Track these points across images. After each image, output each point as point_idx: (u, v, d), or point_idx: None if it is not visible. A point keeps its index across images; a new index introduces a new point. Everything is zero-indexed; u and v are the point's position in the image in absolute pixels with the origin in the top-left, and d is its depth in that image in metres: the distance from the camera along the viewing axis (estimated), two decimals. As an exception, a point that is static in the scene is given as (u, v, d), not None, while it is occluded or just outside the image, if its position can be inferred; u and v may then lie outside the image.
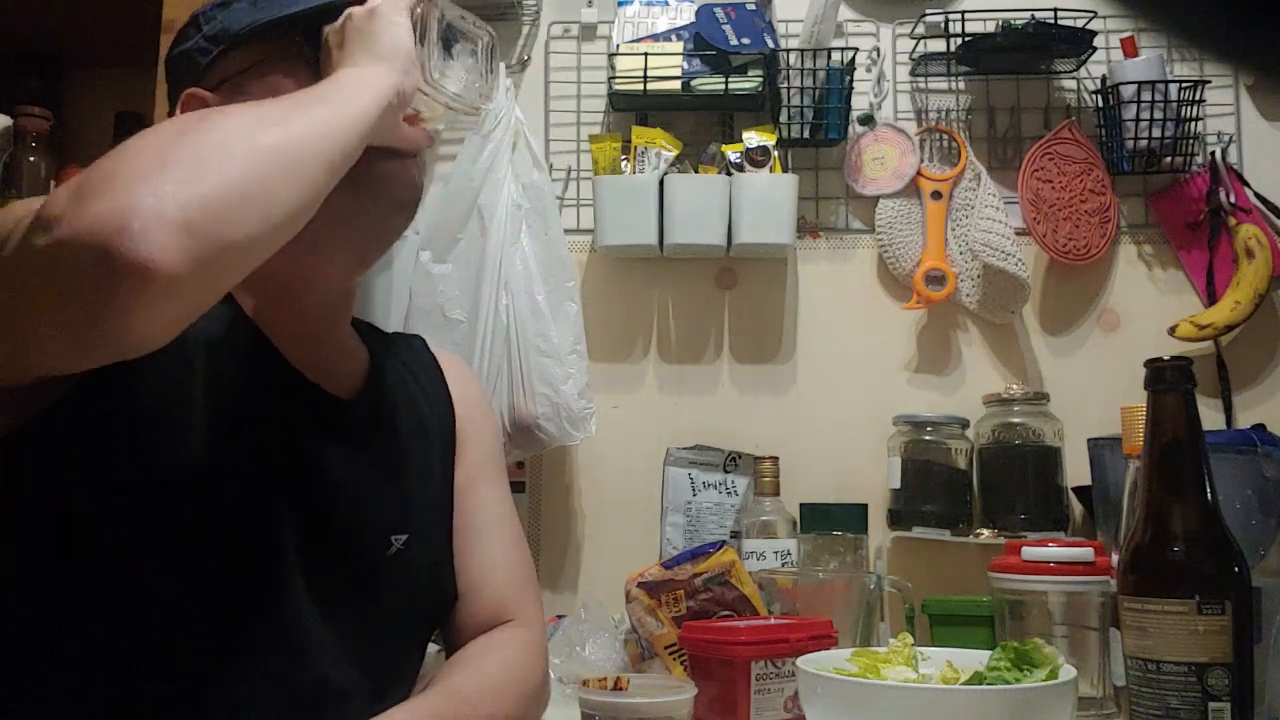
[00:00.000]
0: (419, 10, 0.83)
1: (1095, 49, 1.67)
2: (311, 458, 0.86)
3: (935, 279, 1.66)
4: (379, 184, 0.84)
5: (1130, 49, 1.66)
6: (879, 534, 1.60)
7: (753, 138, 1.65)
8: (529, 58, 1.78)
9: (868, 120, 1.72)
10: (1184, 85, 1.63)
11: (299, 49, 0.86)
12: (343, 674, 0.85)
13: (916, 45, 1.73)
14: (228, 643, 0.78)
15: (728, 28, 1.65)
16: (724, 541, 1.34)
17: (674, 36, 1.68)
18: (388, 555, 0.89)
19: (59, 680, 0.74)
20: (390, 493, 0.91)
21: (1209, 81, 1.65)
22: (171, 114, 0.90)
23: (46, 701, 0.74)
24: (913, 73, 1.76)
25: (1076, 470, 1.54)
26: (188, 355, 0.79)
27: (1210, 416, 1.61)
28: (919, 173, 1.71)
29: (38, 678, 0.75)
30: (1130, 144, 1.64)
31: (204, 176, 0.62)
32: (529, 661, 0.95)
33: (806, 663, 0.87)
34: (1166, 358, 0.92)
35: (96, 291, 0.60)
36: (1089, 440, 1.50)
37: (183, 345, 0.76)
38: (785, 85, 1.64)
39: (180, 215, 0.60)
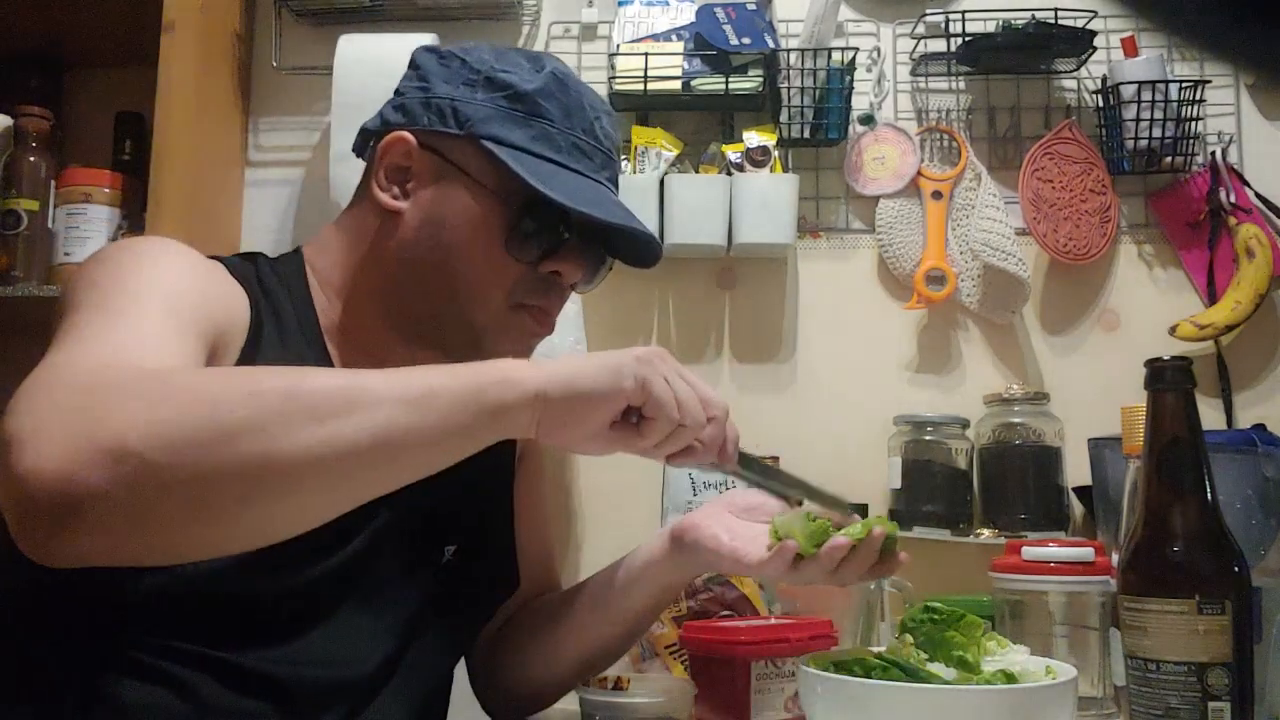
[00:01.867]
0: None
1: (1095, 49, 1.67)
2: None
3: (935, 279, 1.66)
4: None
5: (1130, 49, 1.66)
6: (879, 534, 1.60)
7: (753, 138, 1.65)
8: (529, 58, 1.78)
9: (868, 120, 1.72)
10: (1184, 85, 1.63)
11: (546, 208, 0.87)
12: (383, 677, 0.87)
13: (917, 45, 1.73)
14: (275, 647, 0.79)
15: (728, 28, 1.65)
16: (724, 541, 1.34)
17: (674, 36, 1.68)
18: (442, 564, 0.92)
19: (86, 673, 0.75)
20: (442, 502, 0.90)
21: (1209, 81, 1.65)
22: (378, 135, 0.91)
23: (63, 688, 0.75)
24: (913, 73, 1.76)
25: (1076, 470, 1.54)
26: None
27: (1210, 416, 1.61)
28: (919, 172, 1.71)
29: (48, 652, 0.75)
30: (1130, 144, 1.64)
31: (208, 449, 0.63)
32: None
33: (806, 661, 0.87)
34: (1166, 357, 0.92)
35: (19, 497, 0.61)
36: (1089, 440, 1.50)
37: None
38: (785, 85, 1.64)
39: (117, 449, 0.61)
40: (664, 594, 1.01)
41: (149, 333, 0.71)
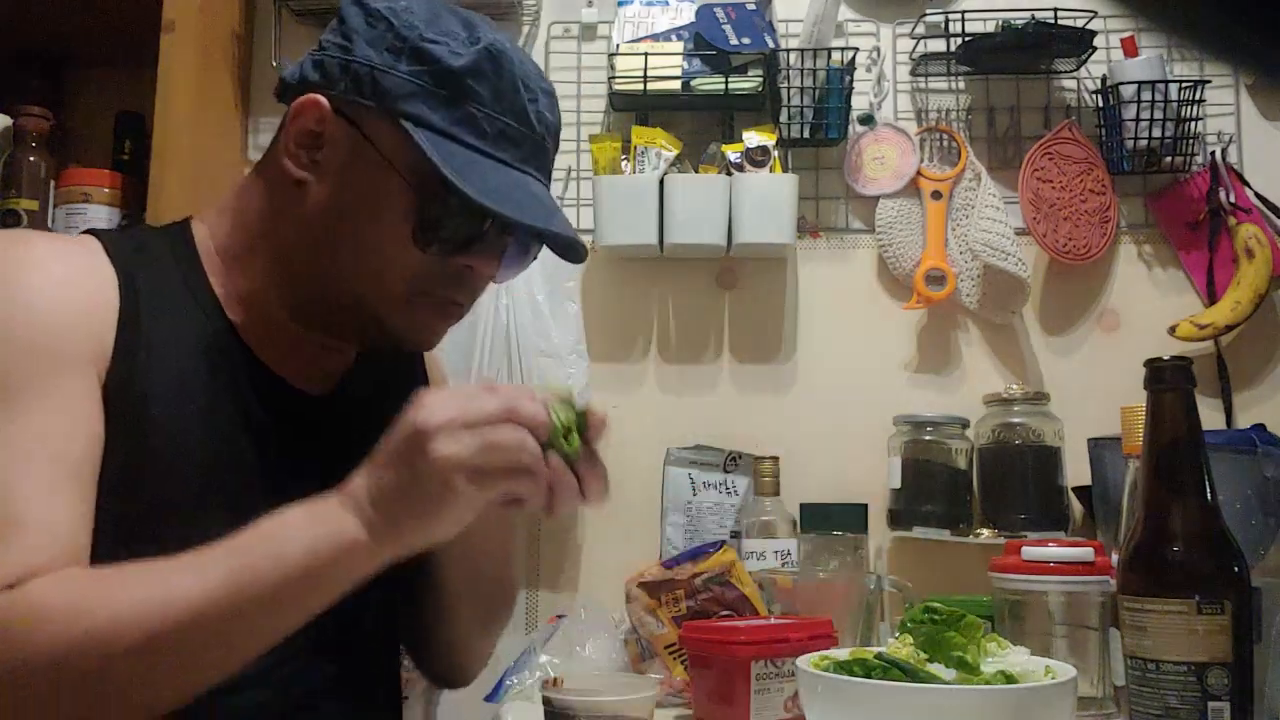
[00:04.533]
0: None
1: (1095, 49, 1.67)
2: (273, 454, 0.86)
3: (935, 279, 1.66)
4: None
5: (1130, 49, 1.66)
6: (879, 534, 1.60)
7: (753, 138, 1.65)
8: (529, 58, 1.78)
9: (868, 120, 1.72)
10: (1184, 85, 1.63)
11: (441, 190, 0.80)
12: (320, 671, 0.86)
13: (916, 45, 1.73)
14: None
15: (728, 27, 1.65)
16: (724, 541, 1.34)
17: (674, 36, 1.68)
18: None
19: None
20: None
21: (1209, 81, 1.65)
22: (289, 94, 0.85)
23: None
24: (913, 73, 1.76)
25: (1076, 470, 1.54)
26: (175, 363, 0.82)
27: (1210, 416, 1.61)
28: (919, 172, 1.71)
29: None
30: (1130, 144, 1.64)
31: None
32: None
33: (807, 661, 0.87)
34: (1166, 357, 0.92)
35: None
36: (1089, 440, 1.50)
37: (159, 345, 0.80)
38: (785, 85, 1.64)
39: None
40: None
41: (45, 480, 0.73)
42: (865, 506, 1.54)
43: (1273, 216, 1.67)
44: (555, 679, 0.94)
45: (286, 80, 0.87)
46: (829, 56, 1.64)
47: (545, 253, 0.92)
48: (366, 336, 0.89)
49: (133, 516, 0.78)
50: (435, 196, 0.81)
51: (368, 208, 0.83)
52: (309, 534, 0.70)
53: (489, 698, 1.29)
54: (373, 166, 0.82)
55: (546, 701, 0.91)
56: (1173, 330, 1.61)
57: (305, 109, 0.83)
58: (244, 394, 0.86)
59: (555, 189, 1.70)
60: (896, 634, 0.88)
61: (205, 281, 0.88)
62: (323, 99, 0.83)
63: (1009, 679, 0.81)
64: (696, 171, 1.67)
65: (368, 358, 0.96)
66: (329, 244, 0.84)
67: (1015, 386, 1.60)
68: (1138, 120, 1.63)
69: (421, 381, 1.03)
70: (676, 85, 1.64)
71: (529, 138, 0.85)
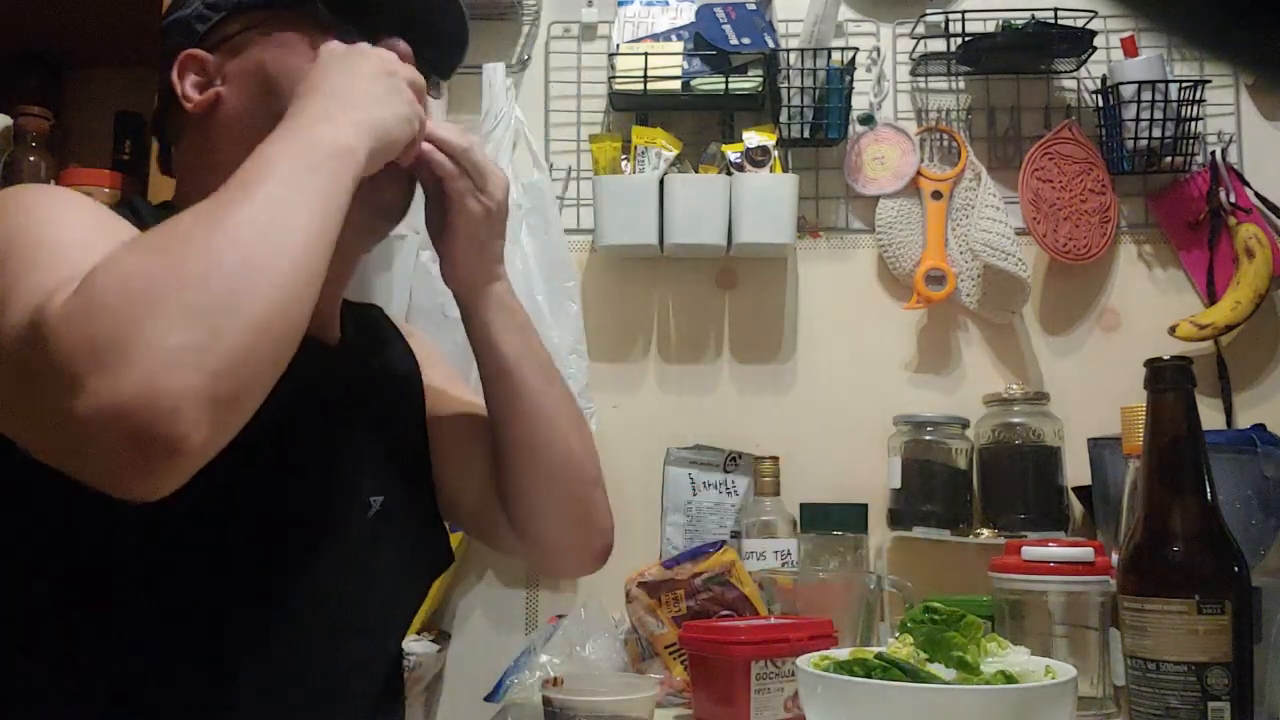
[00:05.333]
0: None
1: (1095, 49, 1.67)
2: (284, 424, 0.86)
3: (935, 279, 1.66)
4: (367, 191, 0.81)
5: (1130, 49, 1.66)
6: (879, 534, 1.60)
7: (753, 137, 1.65)
8: (529, 58, 1.78)
9: (868, 120, 1.72)
10: (1184, 85, 1.63)
11: (312, 8, 0.86)
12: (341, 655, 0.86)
13: (916, 45, 1.73)
14: (225, 610, 0.78)
15: (728, 27, 1.65)
16: (724, 541, 1.34)
17: (674, 36, 1.68)
18: (369, 518, 0.89)
19: (61, 660, 0.75)
20: (366, 458, 0.90)
21: (1209, 81, 1.65)
22: (166, 78, 0.89)
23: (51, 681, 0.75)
24: (913, 72, 1.76)
25: (1076, 470, 1.54)
26: None
27: (1210, 416, 1.61)
28: (919, 172, 1.71)
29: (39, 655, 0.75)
30: (1130, 144, 1.64)
31: (232, 322, 0.62)
32: None
33: (807, 661, 0.87)
34: (1166, 357, 0.92)
35: (121, 464, 0.60)
36: (1089, 440, 1.50)
37: None
38: (785, 85, 1.64)
39: (210, 388, 0.60)
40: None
41: (100, 228, 0.72)
42: (865, 506, 1.54)
43: (1273, 216, 1.67)
44: (555, 679, 0.94)
45: (157, 108, 0.92)
46: (829, 56, 1.64)
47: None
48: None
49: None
50: (327, 11, 0.87)
51: (284, 61, 0.87)
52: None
53: (489, 698, 1.29)
54: (260, 44, 0.87)
55: (546, 701, 0.91)
56: (1173, 330, 1.61)
57: (184, 65, 0.88)
58: None
59: (556, 188, 1.71)
60: (896, 634, 0.88)
61: None
62: (193, 50, 0.88)
63: (1009, 679, 0.81)
64: (696, 171, 1.67)
65: (351, 332, 0.97)
66: (276, 115, 0.83)
67: (1015, 386, 1.60)
68: (1138, 120, 1.63)
69: (395, 334, 1.05)
70: (676, 85, 1.64)
71: None
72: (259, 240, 0.65)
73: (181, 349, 0.59)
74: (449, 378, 1.07)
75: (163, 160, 0.96)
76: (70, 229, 0.71)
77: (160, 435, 0.58)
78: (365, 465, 0.89)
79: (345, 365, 0.93)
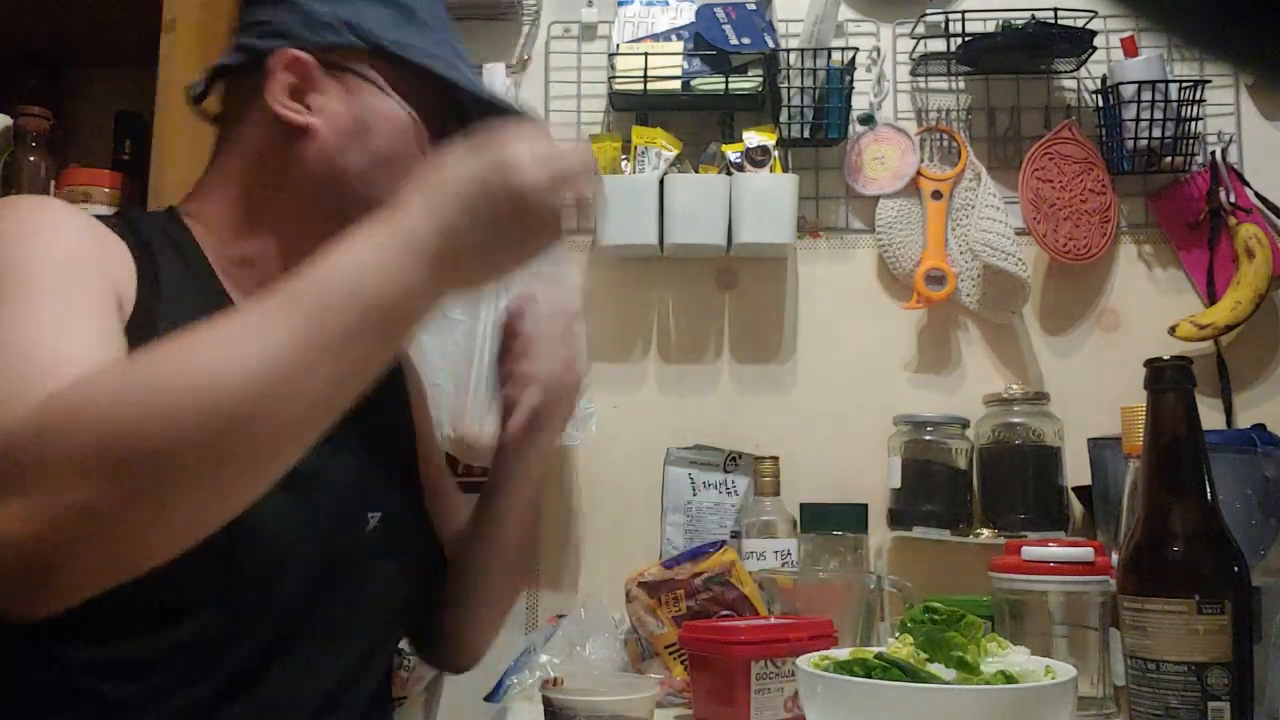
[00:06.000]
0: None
1: (1095, 49, 1.67)
2: None
3: (935, 279, 1.66)
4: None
5: (1130, 49, 1.66)
6: (879, 534, 1.60)
7: (753, 137, 1.65)
8: (529, 58, 1.78)
9: (868, 120, 1.72)
10: (1184, 85, 1.63)
11: (438, 115, 0.89)
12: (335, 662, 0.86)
13: (916, 45, 1.73)
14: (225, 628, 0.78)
15: (728, 27, 1.65)
16: (724, 541, 1.34)
17: (674, 36, 1.68)
18: (367, 532, 0.89)
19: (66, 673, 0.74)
20: (363, 474, 0.90)
21: (1209, 81, 1.65)
22: (254, 46, 0.89)
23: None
24: (913, 72, 1.76)
25: (1076, 470, 1.54)
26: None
27: (1210, 416, 1.61)
28: (919, 172, 1.71)
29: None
30: (1130, 144, 1.64)
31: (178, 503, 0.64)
32: None
33: (807, 661, 0.87)
34: (1166, 357, 0.92)
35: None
36: (1089, 440, 1.50)
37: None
38: (785, 85, 1.64)
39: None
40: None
41: (59, 321, 0.70)
42: (865, 506, 1.54)
43: (1273, 216, 1.67)
44: (555, 679, 0.94)
45: (228, 64, 0.92)
46: (829, 56, 1.64)
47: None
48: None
49: None
50: (440, 108, 0.90)
51: (388, 132, 0.89)
52: (375, 284, 0.68)
53: (489, 698, 1.29)
54: (377, 96, 0.88)
55: (546, 701, 0.91)
56: (1173, 330, 1.61)
57: (291, 64, 0.87)
58: None
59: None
60: (896, 634, 0.88)
61: (202, 254, 0.88)
62: (304, 55, 0.87)
63: (1009, 679, 0.81)
64: (696, 171, 1.67)
65: None
66: (356, 172, 0.88)
67: (1015, 386, 1.60)
68: (1138, 120, 1.63)
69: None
70: (676, 85, 1.64)
71: (445, 24, 0.95)
72: (236, 417, 0.62)
73: (94, 515, 0.60)
74: (434, 423, 1.12)
75: (200, 96, 0.95)
76: (39, 303, 0.70)
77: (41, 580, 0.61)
78: (362, 481, 0.89)
79: None
